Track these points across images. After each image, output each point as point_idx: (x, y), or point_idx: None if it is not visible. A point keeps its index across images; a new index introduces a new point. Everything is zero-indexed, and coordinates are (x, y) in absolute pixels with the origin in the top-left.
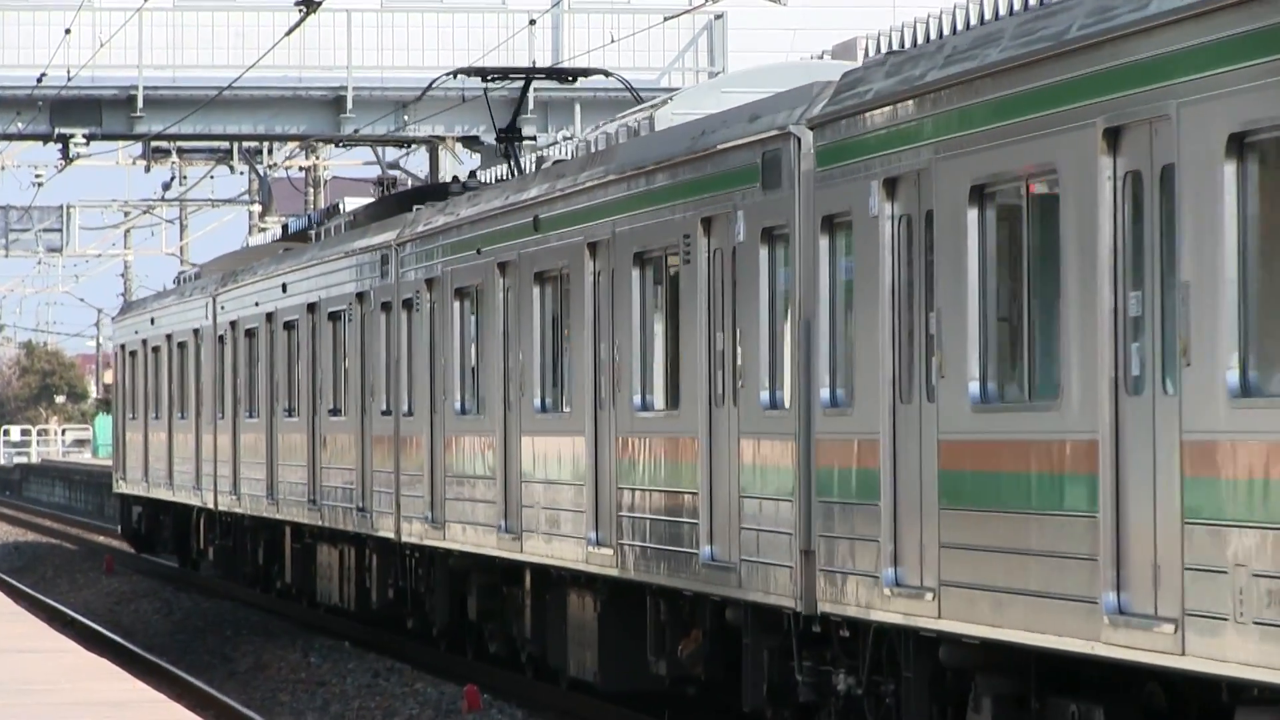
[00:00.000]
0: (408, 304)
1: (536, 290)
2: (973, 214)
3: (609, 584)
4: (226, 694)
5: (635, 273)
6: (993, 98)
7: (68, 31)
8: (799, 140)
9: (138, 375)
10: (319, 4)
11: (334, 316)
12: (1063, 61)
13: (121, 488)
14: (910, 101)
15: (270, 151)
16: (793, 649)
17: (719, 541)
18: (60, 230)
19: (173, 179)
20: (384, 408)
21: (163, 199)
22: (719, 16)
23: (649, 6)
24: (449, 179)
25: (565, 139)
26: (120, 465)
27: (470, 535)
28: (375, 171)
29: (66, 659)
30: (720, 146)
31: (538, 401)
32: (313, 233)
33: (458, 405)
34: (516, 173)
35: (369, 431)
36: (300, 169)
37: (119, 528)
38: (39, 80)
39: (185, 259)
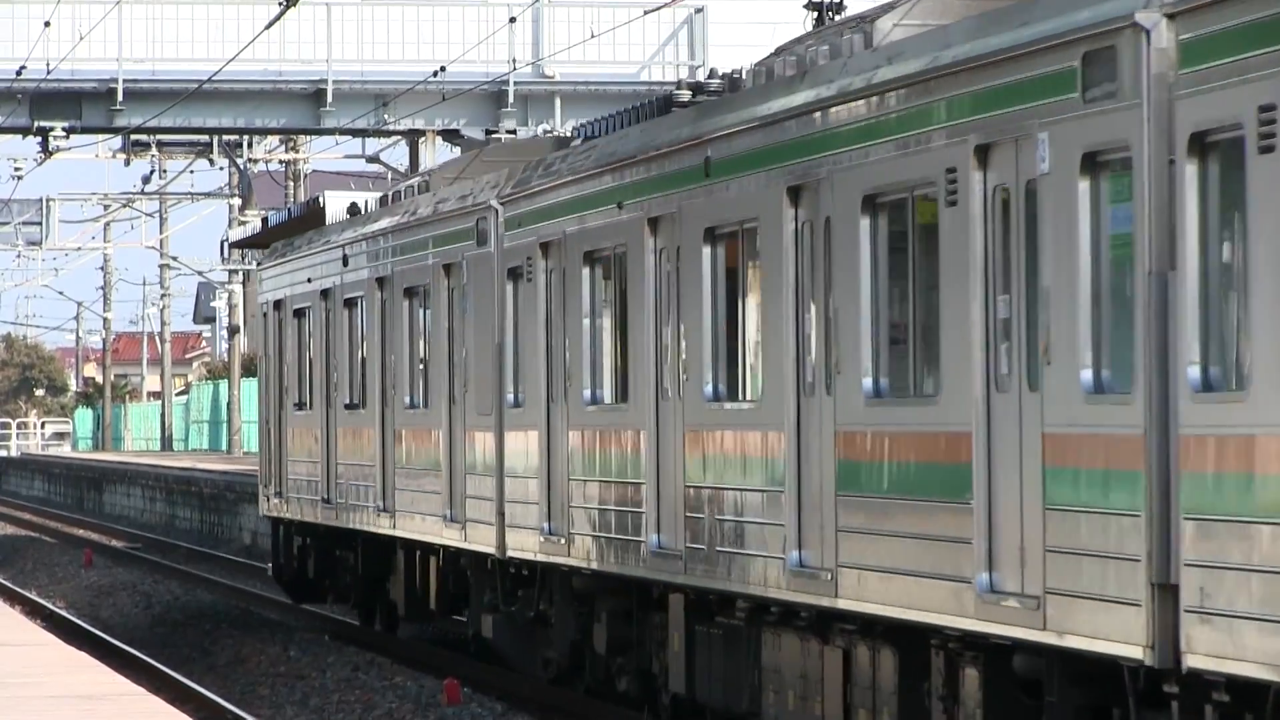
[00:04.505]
0: (1035, 193)
1: None
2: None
3: None
4: (205, 687)
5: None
6: None
7: (47, 24)
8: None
9: (309, 345)
10: None
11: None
12: None
13: (276, 509)
14: None
15: (250, 145)
16: None
17: None
18: (40, 223)
19: (152, 172)
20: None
21: (142, 192)
22: (699, 10)
23: (629, 0)
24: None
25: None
26: (273, 476)
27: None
28: (356, 165)
29: (45, 652)
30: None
31: None
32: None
33: (1196, 379)
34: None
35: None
36: (280, 162)
37: (269, 566)
38: (18, 73)
39: (165, 252)
